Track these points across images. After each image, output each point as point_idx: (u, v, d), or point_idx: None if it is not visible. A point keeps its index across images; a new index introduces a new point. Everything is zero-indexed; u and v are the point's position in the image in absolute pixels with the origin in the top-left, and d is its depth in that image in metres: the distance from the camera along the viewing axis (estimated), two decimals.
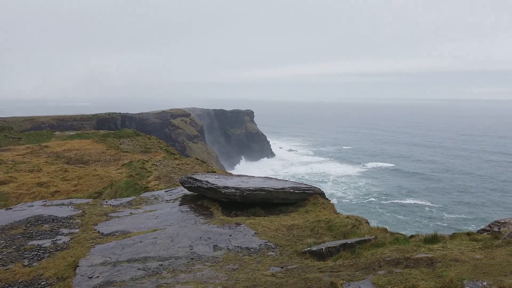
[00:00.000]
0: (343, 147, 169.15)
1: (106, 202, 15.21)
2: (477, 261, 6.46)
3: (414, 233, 10.17)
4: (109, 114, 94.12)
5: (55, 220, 11.91)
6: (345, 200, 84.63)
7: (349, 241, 9.41)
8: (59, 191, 21.84)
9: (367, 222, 12.38)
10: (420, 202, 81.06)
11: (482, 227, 10.39)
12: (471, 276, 5.81)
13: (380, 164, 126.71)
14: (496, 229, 9.42)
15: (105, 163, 29.88)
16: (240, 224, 11.48)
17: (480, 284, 5.33)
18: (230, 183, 14.45)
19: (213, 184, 13.86)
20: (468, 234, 8.80)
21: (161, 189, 18.70)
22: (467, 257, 6.72)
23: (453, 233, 9.09)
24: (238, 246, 9.68)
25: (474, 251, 7.16)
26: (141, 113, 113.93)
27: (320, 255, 8.88)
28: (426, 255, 7.09)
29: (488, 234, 8.41)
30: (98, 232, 11.05)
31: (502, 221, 10.02)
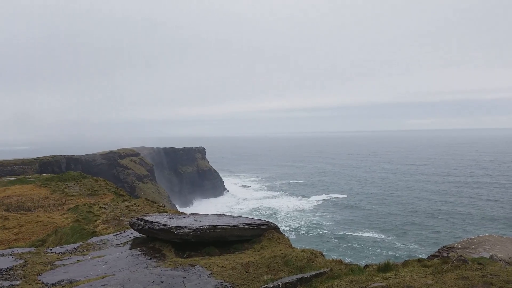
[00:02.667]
0: (295, 181, 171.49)
1: (51, 250, 14.27)
2: (428, 287, 6.65)
3: (368, 263, 10.34)
4: (52, 157, 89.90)
5: None
6: (300, 233, 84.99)
7: (305, 275, 9.39)
8: None
9: (322, 255, 12.45)
10: (372, 233, 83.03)
11: (432, 253, 10.77)
12: None
13: (331, 196, 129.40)
14: (445, 254, 9.81)
15: (49, 209, 28.23)
16: (195, 265, 11.16)
17: None
18: (183, 222, 14.11)
19: (165, 225, 13.47)
20: (419, 260, 9.08)
21: (109, 233, 17.88)
22: (419, 283, 6.90)
23: (405, 260, 9.34)
24: None
25: (425, 277, 7.37)
26: (87, 155, 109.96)
27: None
28: (380, 284, 7.20)
29: (438, 259, 8.73)
30: (42, 282, 10.30)
31: (450, 246, 10.46)
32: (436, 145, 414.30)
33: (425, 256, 10.97)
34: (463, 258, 7.83)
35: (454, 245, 10.78)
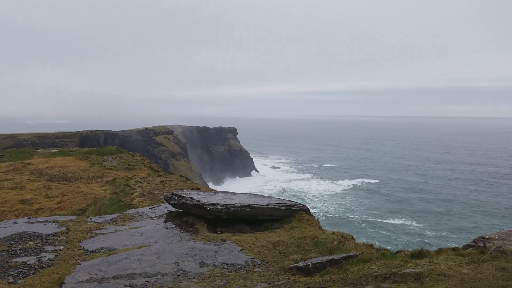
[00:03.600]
0: (325, 164, 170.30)
1: (91, 219, 14.96)
2: (464, 276, 6.54)
3: (400, 249, 10.25)
4: (91, 131, 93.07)
5: (39, 237, 11.68)
6: (329, 217, 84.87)
7: (335, 256, 9.44)
8: (42, 208, 21.44)
9: (352, 238, 12.45)
10: (402, 220, 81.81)
11: (467, 243, 10.56)
12: None
13: (362, 181, 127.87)
14: (481, 244, 9.59)
15: (89, 180, 29.44)
16: (226, 241, 11.44)
17: None
18: (215, 199, 14.41)
19: (198, 201, 13.80)
20: (454, 249, 8.92)
21: (145, 206, 18.49)
22: (455, 272, 6.80)
23: (439, 248, 9.20)
24: (224, 263, 9.63)
25: (461, 266, 7.25)
26: (124, 130, 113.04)
27: (307, 271, 8.88)
28: (414, 270, 7.15)
29: (474, 249, 8.55)
30: (83, 249, 10.86)
31: (487, 236, 10.20)
32: (476, 133, 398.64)
33: (458, 246, 10.76)
34: (502, 249, 7.62)
35: (491, 236, 10.50)
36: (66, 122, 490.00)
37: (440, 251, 8.83)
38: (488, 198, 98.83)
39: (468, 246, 10.08)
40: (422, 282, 6.45)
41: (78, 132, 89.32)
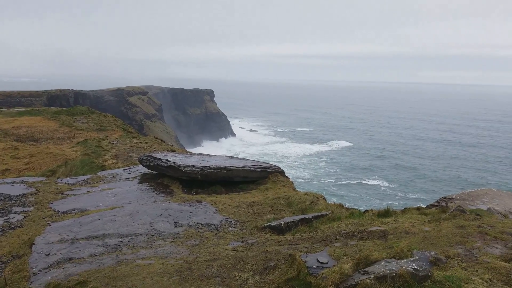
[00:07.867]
0: (303, 129, 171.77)
1: (61, 180, 14.76)
2: (425, 233, 6.91)
3: (368, 209, 10.63)
4: (60, 90, 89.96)
5: (7, 198, 11.49)
6: (303, 179, 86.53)
7: (307, 216, 9.73)
8: (9, 169, 20.87)
9: (324, 199, 12.81)
10: (375, 182, 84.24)
11: (431, 202, 11.05)
12: (420, 246, 6.22)
13: (337, 145, 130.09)
14: (443, 204, 10.05)
15: (58, 141, 28.71)
16: (201, 202, 11.56)
17: (428, 254, 5.71)
18: (191, 161, 14.43)
19: (173, 163, 13.79)
20: (418, 208, 9.33)
21: (118, 167, 18.34)
22: (417, 230, 7.16)
23: (404, 208, 9.61)
24: (199, 223, 9.79)
25: (423, 224, 7.62)
26: (95, 90, 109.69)
27: (279, 230, 9.15)
28: (379, 228, 7.47)
29: (436, 209, 8.96)
30: (54, 210, 10.77)
31: (449, 197, 10.69)
32: (446, 99, 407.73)
33: (423, 206, 11.26)
34: (461, 208, 8.03)
35: (453, 196, 11.03)
36: (28, 80, 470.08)
37: (405, 211, 9.22)
38: (457, 162, 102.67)
39: (431, 205, 10.56)
40: (387, 239, 6.77)
41: (46, 91, 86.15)
